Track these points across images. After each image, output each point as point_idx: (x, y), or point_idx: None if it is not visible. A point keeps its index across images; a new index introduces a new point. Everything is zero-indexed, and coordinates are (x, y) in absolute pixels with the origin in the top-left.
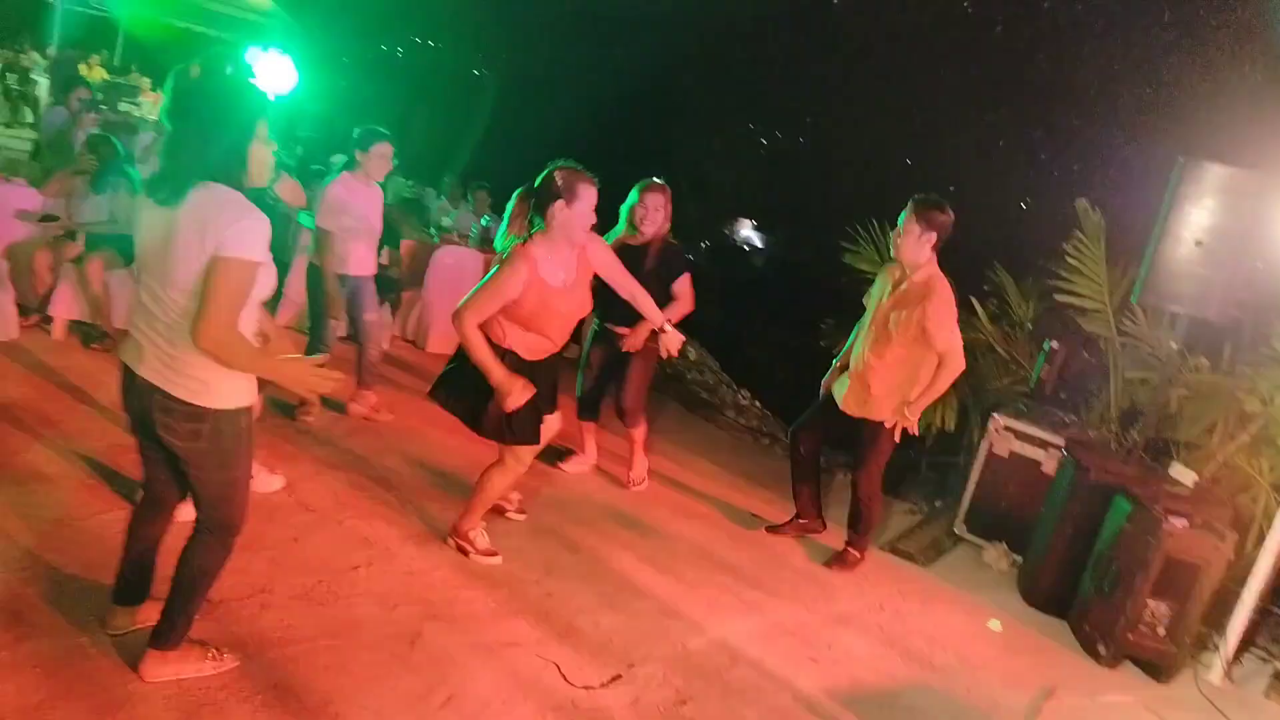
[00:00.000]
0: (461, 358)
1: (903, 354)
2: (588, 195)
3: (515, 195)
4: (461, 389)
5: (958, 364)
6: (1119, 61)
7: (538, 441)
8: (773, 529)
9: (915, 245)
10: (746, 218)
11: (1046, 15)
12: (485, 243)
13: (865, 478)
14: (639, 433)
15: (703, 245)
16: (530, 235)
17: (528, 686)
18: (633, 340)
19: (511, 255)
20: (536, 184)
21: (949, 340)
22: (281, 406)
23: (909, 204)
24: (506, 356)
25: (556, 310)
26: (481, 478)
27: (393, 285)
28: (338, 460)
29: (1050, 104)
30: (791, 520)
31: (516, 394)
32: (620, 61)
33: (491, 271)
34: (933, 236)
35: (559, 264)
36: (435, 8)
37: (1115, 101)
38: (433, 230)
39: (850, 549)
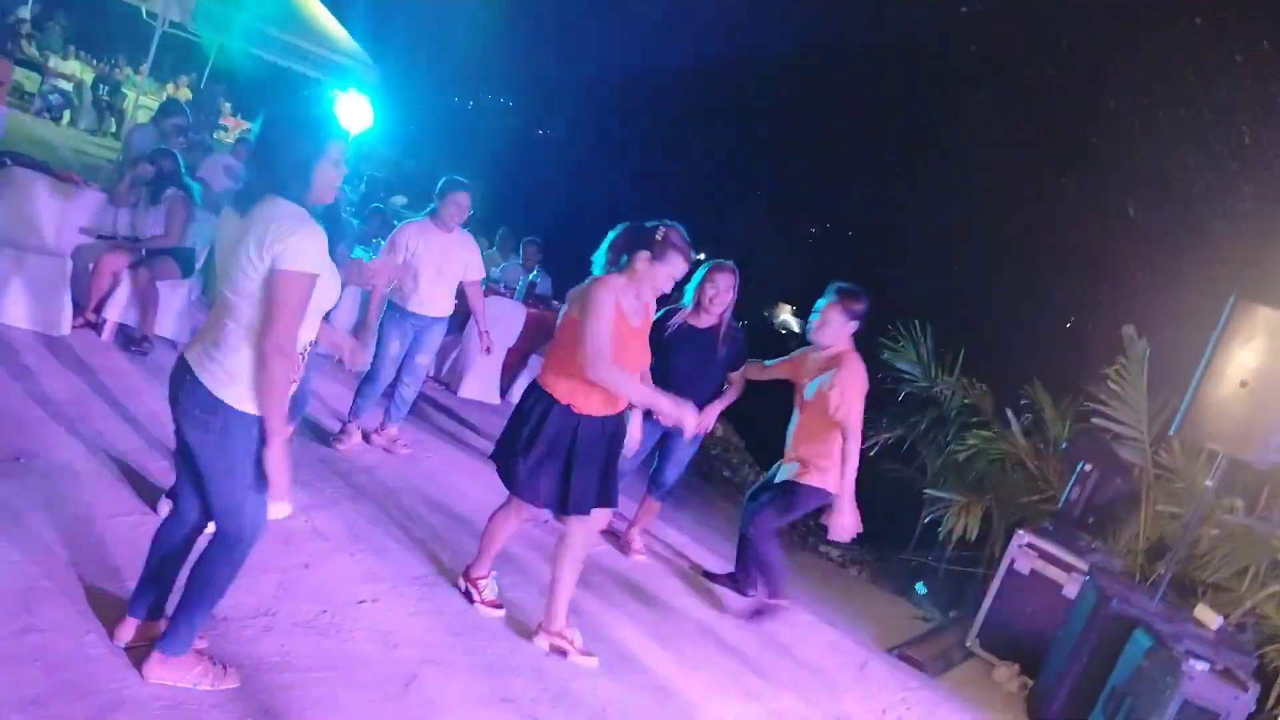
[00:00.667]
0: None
1: (813, 420)
2: (675, 265)
3: (622, 226)
4: (535, 472)
5: (856, 437)
6: (1180, 191)
7: (606, 505)
8: (707, 574)
9: (836, 333)
10: (787, 303)
11: (1110, 134)
12: (531, 296)
13: (760, 519)
14: (658, 506)
15: (740, 324)
16: (613, 269)
17: None
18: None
19: (592, 287)
20: (634, 227)
21: (848, 413)
22: (314, 431)
23: (832, 292)
24: (555, 408)
25: (629, 350)
26: (557, 566)
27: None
28: (356, 492)
29: (1104, 226)
30: (728, 574)
31: (678, 408)
32: (682, 138)
33: (563, 310)
34: (854, 325)
35: (633, 306)
36: (508, 69)
37: (1172, 231)
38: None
39: (767, 601)
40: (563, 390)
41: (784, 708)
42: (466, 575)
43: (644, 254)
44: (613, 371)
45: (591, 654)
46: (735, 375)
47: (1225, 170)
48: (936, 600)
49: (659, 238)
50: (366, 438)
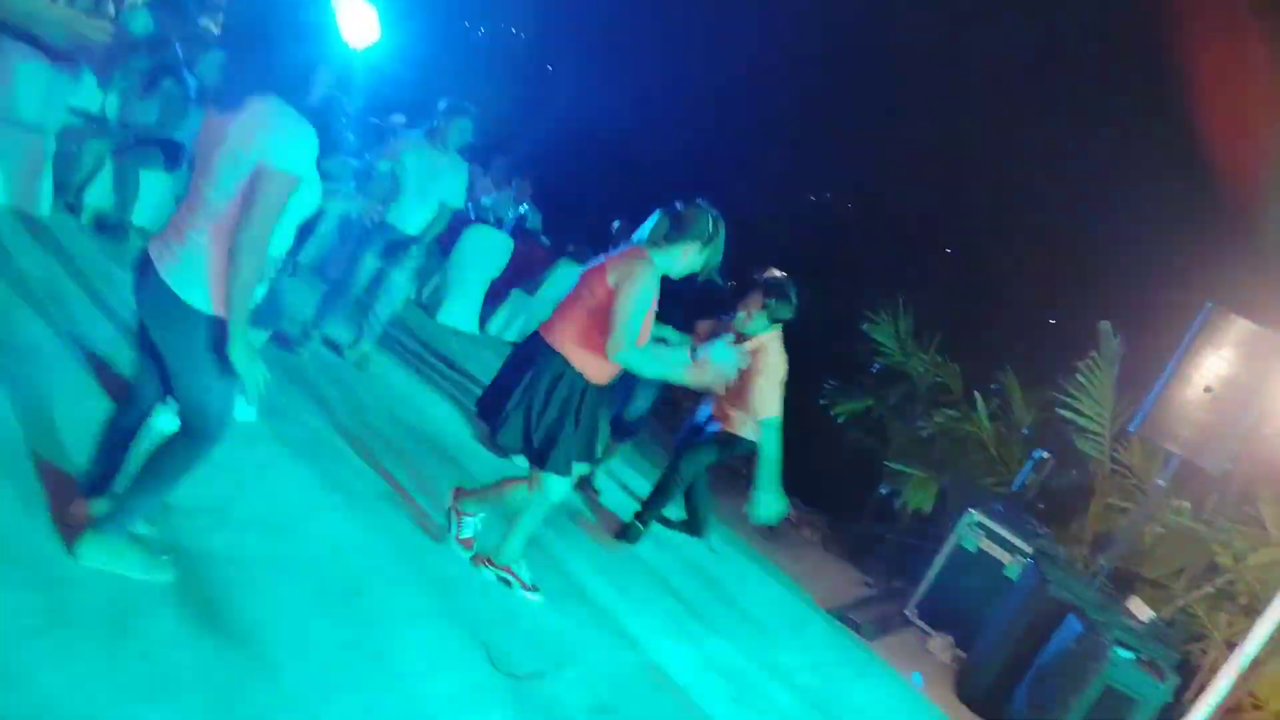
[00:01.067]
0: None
1: (735, 388)
2: (716, 257)
3: (660, 212)
4: (516, 415)
5: (774, 431)
6: (1169, 200)
7: (568, 473)
8: (664, 521)
9: (759, 328)
10: (778, 268)
11: (1106, 140)
12: (520, 230)
13: (689, 454)
14: (617, 446)
15: (729, 285)
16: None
17: (453, 661)
18: None
19: (639, 266)
20: (692, 215)
21: (768, 410)
22: (282, 338)
23: (763, 288)
24: (567, 373)
25: (643, 329)
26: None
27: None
28: (323, 403)
29: (1096, 229)
30: (681, 521)
31: (700, 373)
32: (690, 92)
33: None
34: (779, 325)
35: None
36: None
37: (1159, 239)
38: (469, 206)
39: (637, 520)
40: (578, 356)
41: (718, 653)
42: (456, 501)
43: (695, 245)
44: (639, 355)
45: (536, 588)
46: (703, 327)
47: (1212, 182)
48: (883, 569)
49: (713, 231)
50: (338, 350)
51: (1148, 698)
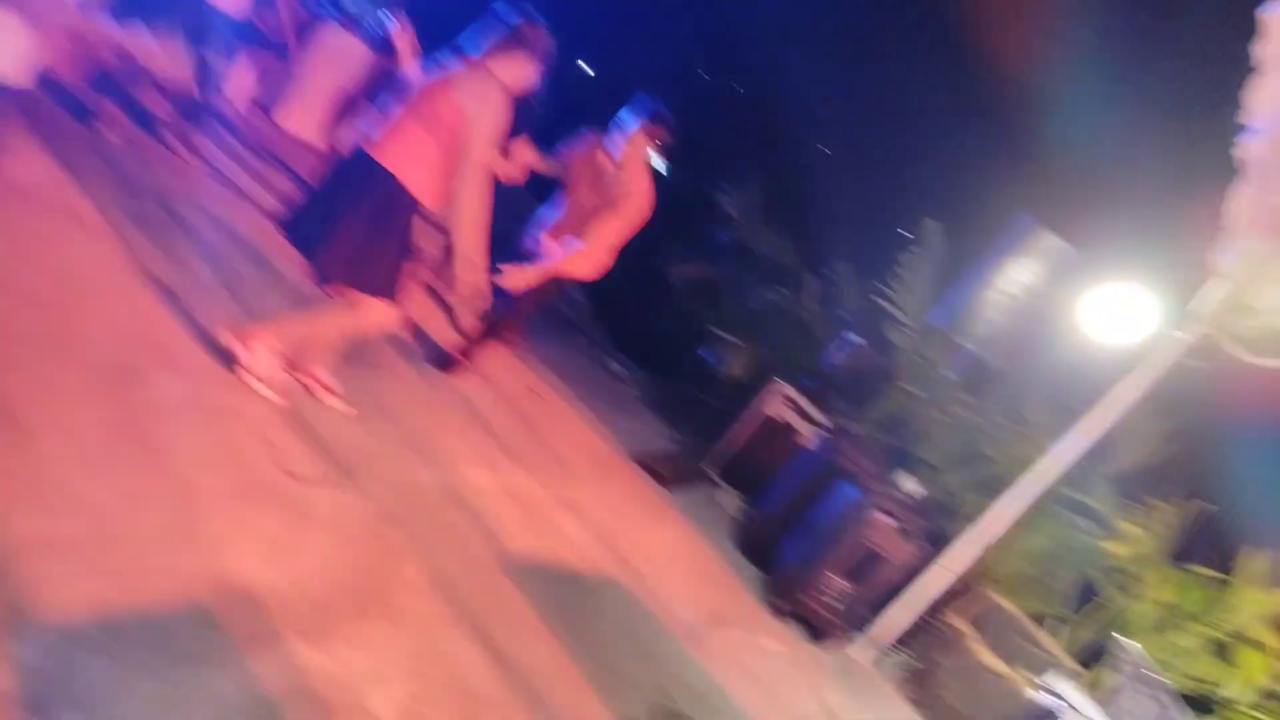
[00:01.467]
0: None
1: (583, 220)
2: (535, 76)
3: (492, 22)
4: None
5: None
6: (1002, 118)
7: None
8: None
9: (635, 157)
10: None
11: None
12: (381, 43)
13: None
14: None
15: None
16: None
17: (235, 458)
18: None
19: (489, 85)
20: (531, 28)
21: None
22: (74, 106)
23: (647, 117)
24: (403, 198)
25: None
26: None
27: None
28: (123, 180)
29: (932, 133)
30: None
31: (477, 277)
32: None
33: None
34: (654, 155)
35: None
36: None
37: (986, 150)
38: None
39: (460, 352)
40: (411, 177)
41: (519, 484)
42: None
43: (529, 56)
44: (480, 203)
45: (342, 398)
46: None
47: (1037, 102)
48: (691, 426)
49: (543, 43)
50: (150, 129)
51: (899, 559)
